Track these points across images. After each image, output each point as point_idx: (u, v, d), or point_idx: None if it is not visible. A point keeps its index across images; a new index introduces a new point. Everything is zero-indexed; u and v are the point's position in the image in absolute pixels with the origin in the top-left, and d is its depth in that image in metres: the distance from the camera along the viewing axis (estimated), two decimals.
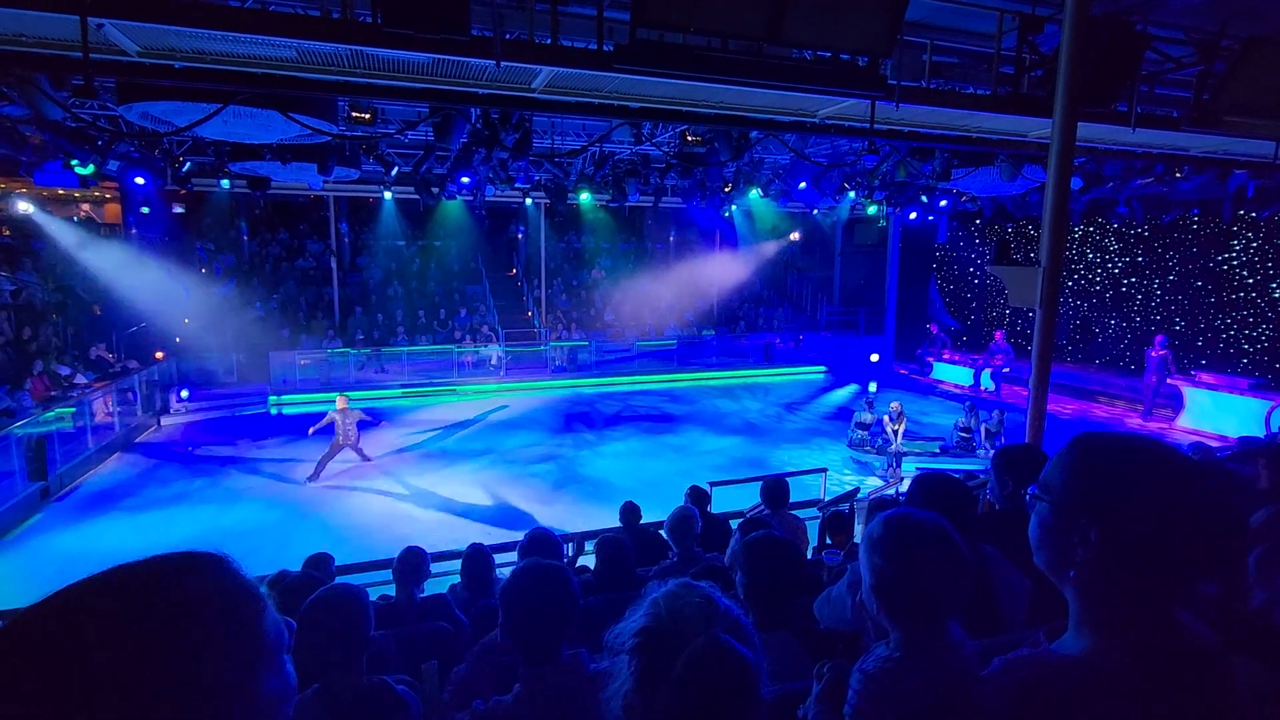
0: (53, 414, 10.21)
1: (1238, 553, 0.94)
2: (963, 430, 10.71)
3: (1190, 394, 13.24)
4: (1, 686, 0.62)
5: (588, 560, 5.14)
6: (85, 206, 18.13)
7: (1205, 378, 13.17)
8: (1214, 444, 8.19)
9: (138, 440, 12.40)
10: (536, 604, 1.75)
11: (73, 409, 10.73)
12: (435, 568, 4.02)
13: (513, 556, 4.54)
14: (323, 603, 1.97)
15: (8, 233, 14.54)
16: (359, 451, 10.73)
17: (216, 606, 0.72)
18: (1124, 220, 14.25)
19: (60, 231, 14.84)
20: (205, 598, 0.72)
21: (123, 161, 10.59)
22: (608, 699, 1.03)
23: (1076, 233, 17.82)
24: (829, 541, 5.94)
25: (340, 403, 10.60)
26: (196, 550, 0.76)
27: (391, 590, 4.26)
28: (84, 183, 10.12)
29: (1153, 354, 13.43)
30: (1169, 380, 13.39)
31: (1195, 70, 6.58)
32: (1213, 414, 12.82)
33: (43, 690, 0.62)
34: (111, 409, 12.05)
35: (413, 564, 3.72)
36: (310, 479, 10.04)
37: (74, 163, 9.37)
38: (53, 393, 11.21)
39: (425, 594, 3.79)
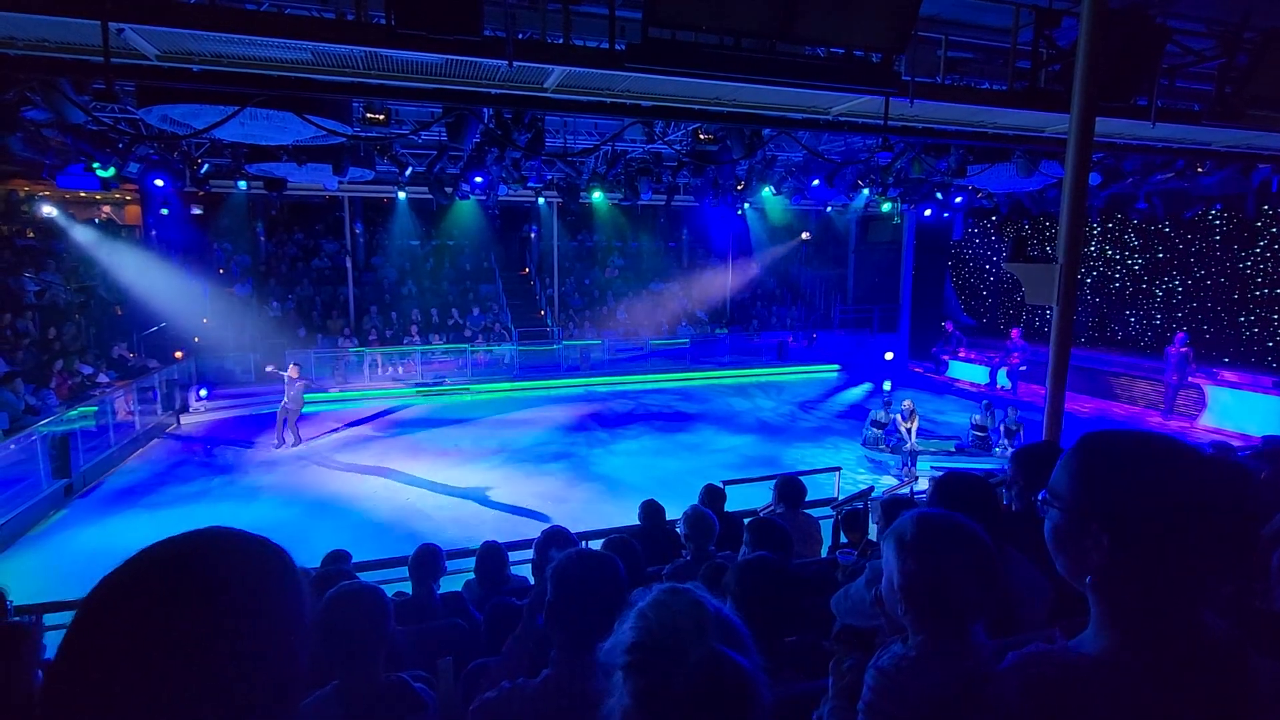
0: (76, 412, 10.38)
1: (1250, 546, 0.92)
2: (978, 429, 10.62)
3: (1212, 392, 13.03)
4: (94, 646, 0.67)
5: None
6: (106, 208, 18.41)
7: (1228, 375, 12.96)
8: (1236, 443, 8.05)
9: (158, 438, 12.59)
10: (586, 590, 1.74)
11: (95, 407, 10.90)
12: (450, 565, 4.05)
13: (527, 554, 4.56)
14: (342, 600, 1.98)
15: (31, 234, 14.81)
16: (295, 430, 11.87)
17: (274, 581, 0.76)
18: (1144, 216, 14.04)
19: (81, 233, 15.11)
20: (263, 572, 0.76)
21: (142, 164, 10.74)
22: (606, 714, 1.01)
23: (1095, 229, 17.58)
24: (844, 540, 5.91)
25: (292, 370, 11.77)
26: (237, 529, 0.79)
27: (406, 587, 4.30)
28: (105, 185, 10.26)
29: (1173, 351, 13.23)
30: (1190, 378, 13.18)
31: (1217, 63, 6.46)
32: (1235, 412, 12.61)
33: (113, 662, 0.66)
34: (132, 407, 12.24)
35: (428, 561, 3.75)
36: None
37: (95, 165, 9.53)
38: (78, 390, 11.40)
39: (441, 590, 3.82)
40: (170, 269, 16.07)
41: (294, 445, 11.80)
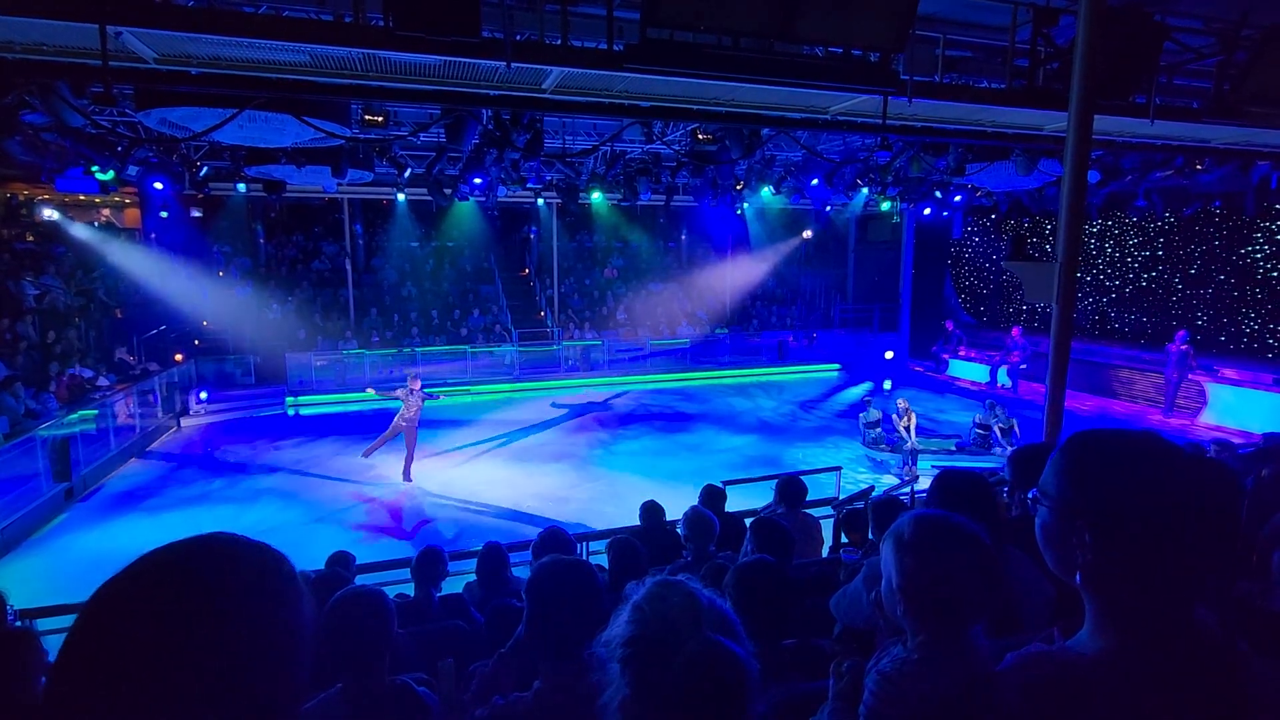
0: (76, 416, 10.38)
1: (1234, 543, 0.93)
2: (980, 428, 10.62)
3: (1213, 389, 13.02)
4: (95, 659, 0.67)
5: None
6: (105, 211, 18.43)
7: (1228, 373, 12.94)
8: (1237, 440, 8.05)
9: (158, 441, 12.58)
10: (562, 598, 1.75)
11: (95, 411, 10.90)
12: (451, 566, 4.05)
13: (528, 555, 4.56)
14: (347, 604, 1.99)
15: (31, 238, 14.81)
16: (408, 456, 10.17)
17: (269, 593, 0.75)
18: (1143, 214, 14.04)
19: (81, 236, 15.12)
20: (257, 585, 0.75)
21: (142, 167, 10.74)
22: (604, 705, 1.03)
23: (1094, 227, 17.57)
24: (845, 540, 5.91)
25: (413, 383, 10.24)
26: (239, 535, 0.79)
27: (407, 589, 4.30)
28: (104, 188, 10.29)
29: (1174, 349, 13.22)
30: (1191, 375, 13.18)
31: (1215, 60, 6.46)
32: (1236, 409, 12.61)
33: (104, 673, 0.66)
34: (133, 411, 12.23)
35: (431, 564, 3.76)
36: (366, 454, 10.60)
37: (94, 169, 9.54)
38: (78, 394, 11.39)
39: (442, 593, 3.82)
40: (170, 272, 16.08)
41: (405, 481, 10.08)
